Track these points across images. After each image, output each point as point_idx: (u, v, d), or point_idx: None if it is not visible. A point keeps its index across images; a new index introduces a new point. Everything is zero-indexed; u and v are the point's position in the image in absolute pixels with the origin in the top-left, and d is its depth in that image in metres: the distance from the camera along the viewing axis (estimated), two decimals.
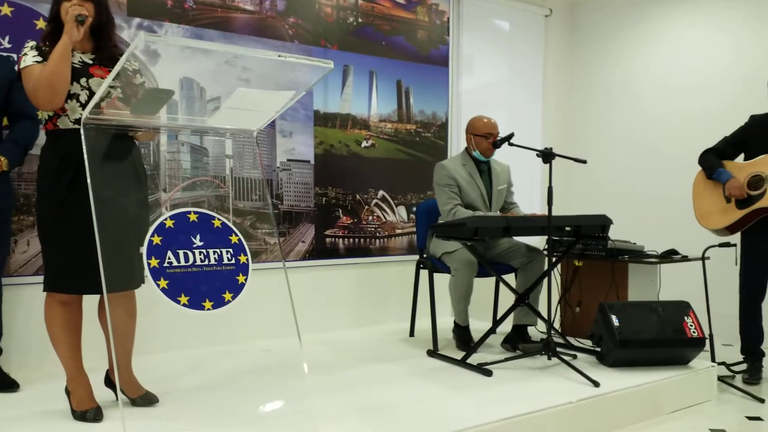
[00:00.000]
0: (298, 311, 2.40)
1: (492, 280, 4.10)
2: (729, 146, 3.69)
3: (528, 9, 5.40)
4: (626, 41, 5.32)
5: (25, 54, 2.39)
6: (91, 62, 2.44)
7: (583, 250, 4.18)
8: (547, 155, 3.29)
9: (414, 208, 4.59)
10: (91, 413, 2.41)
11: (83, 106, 2.35)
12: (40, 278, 3.24)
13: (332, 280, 4.27)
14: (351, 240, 4.37)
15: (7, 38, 3.18)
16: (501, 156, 3.92)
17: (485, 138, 3.75)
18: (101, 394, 2.56)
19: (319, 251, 4.23)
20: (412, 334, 4.10)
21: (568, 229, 3.40)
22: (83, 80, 2.38)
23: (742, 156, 3.67)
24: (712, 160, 3.66)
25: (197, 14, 3.67)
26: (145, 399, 2.59)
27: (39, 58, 2.35)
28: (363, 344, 3.87)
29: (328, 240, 4.27)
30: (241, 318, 3.64)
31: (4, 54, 3.08)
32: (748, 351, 3.61)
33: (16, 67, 2.76)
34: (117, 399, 2.60)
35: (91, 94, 2.36)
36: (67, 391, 2.52)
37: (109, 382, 2.68)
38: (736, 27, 4.63)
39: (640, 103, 5.22)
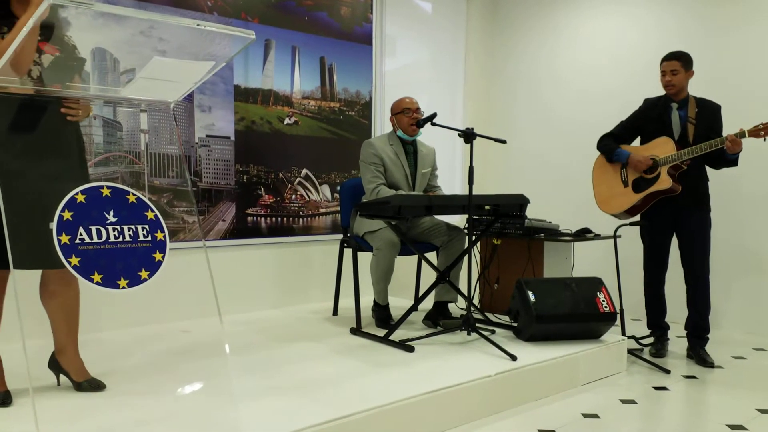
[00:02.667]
0: (219, 291, 2.34)
1: (414, 258, 4.15)
2: (625, 130, 3.81)
3: None
4: (545, 24, 5.45)
5: None
6: (40, 38, 2.31)
7: (501, 229, 4.29)
8: (468, 135, 3.34)
9: (338, 187, 4.57)
10: (7, 397, 2.31)
11: (34, 81, 2.23)
12: None
13: (254, 259, 4.20)
14: (273, 219, 4.31)
15: None
16: (426, 137, 3.94)
17: (404, 114, 3.77)
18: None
19: (241, 230, 4.14)
20: (335, 313, 4.10)
21: (487, 208, 3.47)
22: (36, 56, 2.25)
23: (638, 141, 3.82)
24: (610, 144, 3.80)
25: None
26: (91, 383, 2.50)
27: None
28: (286, 324, 3.84)
29: (249, 219, 4.19)
30: (159, 298, 3.52)
31: None
32: (654, 325, 3.81)
33: None
34: (59, 383, 2.52)
35: (43, 69, 2.24)
36: None
37: (53, 364, 2.54)
38: (642, 12, 4.83)
39: (557, 86, 5.37)
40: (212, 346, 3.19)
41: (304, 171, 4.46)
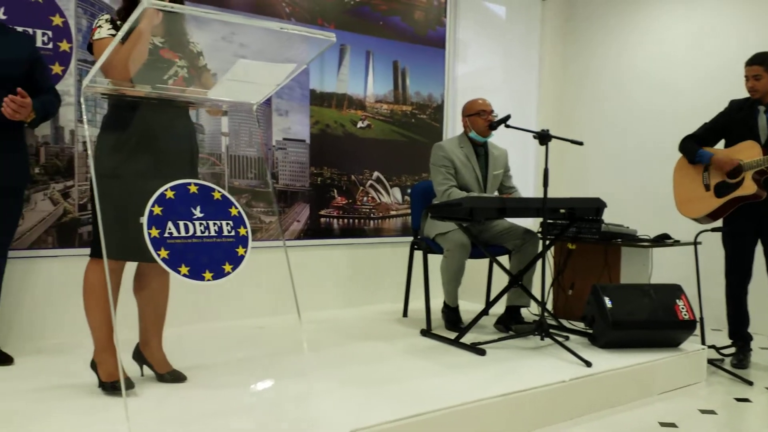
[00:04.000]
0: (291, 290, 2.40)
1: (485, 261, 4.12)
2: (709, 132, 3.68)
3: None
4: (622, 26, 5.33)
5: (100, 26, 2.38)
6: (161, 45, 2.47)
7: (576, 233, 4.21)
8: (543, 137, 3.30)
9: (409, 190, 4.60)
10: (120, 383, 2.32)
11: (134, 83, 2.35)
12: (35, 252, 3.26)
13: (326, 260, 4.28)
14: (345, 220, 4.38)
15: (1, 10, 3.15)
16: (496, 140, 3.92)
17: (479, 116, 3.76)
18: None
19: (314, 231, 4.23)
20: (405, 314, 4.12)
21: (562, 211, 3.42)
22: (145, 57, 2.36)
23: (722, 143, 3.68)
24: (692, 145, 3.67)
25: None
26: (173, 375, 2.59)
27: (113, 32, 2.35)
28: (356, 323, 3.89)
29: (322, 220, 4.27)
30: (234, 295, 3.64)
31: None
32: (736, 335, 3.65)
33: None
34: (142, 374, 2.63)
35: (153, 69, 2.37)
36: (94, 364, 2.49)
37: (137, 355, 2.65)
38: (730, 17, 4.65)
39: (635, 89, 5.24)
40: (289, 343, 3.25)
41: (376, 174, 4.51)
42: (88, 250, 2.47)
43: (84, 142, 3.38)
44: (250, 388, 2.59)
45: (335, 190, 4.32)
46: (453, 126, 4.84)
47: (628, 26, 5.30)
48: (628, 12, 5.29)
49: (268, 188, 3.96)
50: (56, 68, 3.29)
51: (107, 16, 2.44)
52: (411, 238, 4.11)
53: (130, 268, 2.54)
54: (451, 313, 3.74)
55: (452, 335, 3.38)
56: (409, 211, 4.57)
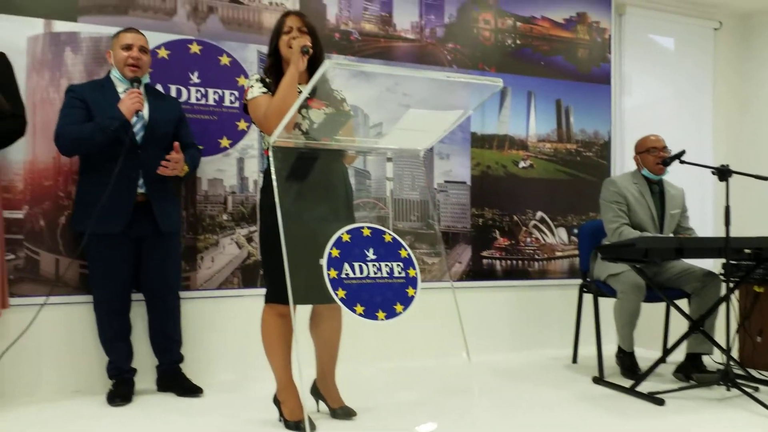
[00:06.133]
0: (456, 332, 2.40)
1: (660, 305, 3.88)
2: None
3: (694, 23, 5.11)
4: None
5: (251, 86, 2.61)
6: (309, 95, 2.65)
7: (764, 275, 3.84)
8: (723, 172, 3.09)
9: (575, 230, 4.47)
10: (304, 424, 2.39)
11: (305, 133, 2.52)
12: (222, 292, 3.56)
13: (490, 302, 4.24)
14: (508, 262, 4.33)
15: (196, 74, 3.54)
16: (670, 178, 3.72)
17: (649, 153, 3.60)
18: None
19: (476, 272, 4.23)
20: (575, 360, 3.97)
21: (747, 251, 3.16)
22: (303, 110, 2.54)
23: None
24: None
25: (362, 45, 3.88)
26: (345, 411, 2.68)
27: (264, 90, 2.58)
28: (524, 368, 3.80)
29: (485, 261, 4.26)
30: (401, 334, 3.71)
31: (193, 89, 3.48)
32: None
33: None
34: (318, 409, 2.75)
35: (311, 123, 2.54)
36: (276, 401, 2.65)
37: (314, 390, 2.78)
38: None
39: None
40: (456, 385, 3.23)
41: (539, 214, 4.44)
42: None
43: None
44: (415, 430, 2.61)
45: (497, 231, 4.30)
46: (621, 162, 4.66)
47: None
48: None
49: (431, 230, 4.04)
50: (241, 124, 3.63)
51: (257, 76, 2.65)
52: (579, 281, 3.97)
53: (303, 307, 2.69)
54: (626, 358, 3.55)
55: (627, 383, 3.20)
56: (576, 252, 4.43)
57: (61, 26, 3.27)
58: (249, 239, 3.64)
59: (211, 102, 3.56)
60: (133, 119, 2.97)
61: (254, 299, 3.46)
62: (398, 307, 2.15)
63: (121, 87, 3.04)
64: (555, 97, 4.48)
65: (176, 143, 2.99)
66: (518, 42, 4.36)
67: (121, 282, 3.06)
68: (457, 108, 2.32)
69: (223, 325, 3.56)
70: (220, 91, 3.59)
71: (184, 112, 3.36)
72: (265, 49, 3.53)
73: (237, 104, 3.62)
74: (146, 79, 3.18)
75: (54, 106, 3.17)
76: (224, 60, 3.60)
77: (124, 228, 2.98)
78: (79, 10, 3.30)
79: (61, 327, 3.22)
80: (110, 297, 3.07)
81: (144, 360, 3.23)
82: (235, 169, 3.62)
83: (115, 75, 3.08)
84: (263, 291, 2.63)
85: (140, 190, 3.02)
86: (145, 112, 3.04)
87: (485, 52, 4.25)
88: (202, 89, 3.53)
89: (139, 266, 3.12)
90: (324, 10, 3.83)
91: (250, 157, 3.64)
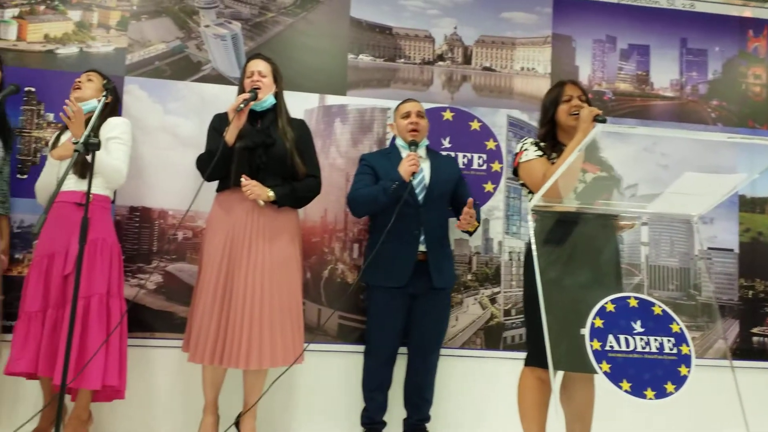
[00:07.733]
0: (725, 416, 2.13)
1: None
2: None
3: None
4: None
5: (526, 149, 2.65)
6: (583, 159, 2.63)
7: None
8: None
9: None
10: None
11: (576, 196, 2.52)
12: (465, 351, 3.57)
13: (763, 386, 3.71)
14: None
15: (447, 139, 3.70)
16: None
17: None
18: None
19: (744, 351, 3.75)
20: None
21: None
22: (579, 174, 2.54)
23: None
24: None
25: (616, 105, 3.77)
26: None
27: (540, 153, 2.62)
28: None
29: (755, 339, 3.77)
30: (659, 415, 3.39)
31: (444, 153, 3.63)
32: None
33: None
34: None
35: (586, 186, 2.54)
36: None
37: None
38: None
39: None
40: None
41: None
42: (511, 353, 2.61)
43: (510, 252, 3.67)
44: None
45: None
46: None
47: None
48: None
49: (691, 301, 3.70)
50: (488, 186, 3.70)
51: (531, 140, 2.66)
52: None
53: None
54: None
55: None
56: None
57: (332, 99, 3.64)
58: (492, 300, 3.64)
59: (460, 165, 3.67)
60: (414, 180, 3.14)
61: (496, 362, 3.44)
62: (669, 387, 1.98)
63: (404, 153, 3.21)
64: None
65: (470, 199, 3.05)
66: None
67: (394, 335, 3.19)
68: (723, 170, 2.13)
69: (466, 386, 3.55)
70: (469, 154, 3.70)
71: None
72: (514, 113, 3.59)
73: (485, 167, 3.70)
74: (425, 143, 3.33)
75: (324, 172, 3.33)
76: (474, 125, 3.72)
77: (405, 283, 3.13)
78: (349, 84, 3.66)
79: (318, 373, 3.43)
80: (382, 348, 3.21)
81: (392, 411, 3.31)
82: (480, 229, 3.67)
83: (399, 143, 3.31)
84: (505, 354, 2.60)
85: (421, 248, 3.16)
86: (427, 173, 3.23)
87: (755, 108, 3.87)
88: (452, 153, 3.67)
89: (409, 321, 3.24)
90: (576, 72, 3.80)
91: (495, 219, 3.68)
